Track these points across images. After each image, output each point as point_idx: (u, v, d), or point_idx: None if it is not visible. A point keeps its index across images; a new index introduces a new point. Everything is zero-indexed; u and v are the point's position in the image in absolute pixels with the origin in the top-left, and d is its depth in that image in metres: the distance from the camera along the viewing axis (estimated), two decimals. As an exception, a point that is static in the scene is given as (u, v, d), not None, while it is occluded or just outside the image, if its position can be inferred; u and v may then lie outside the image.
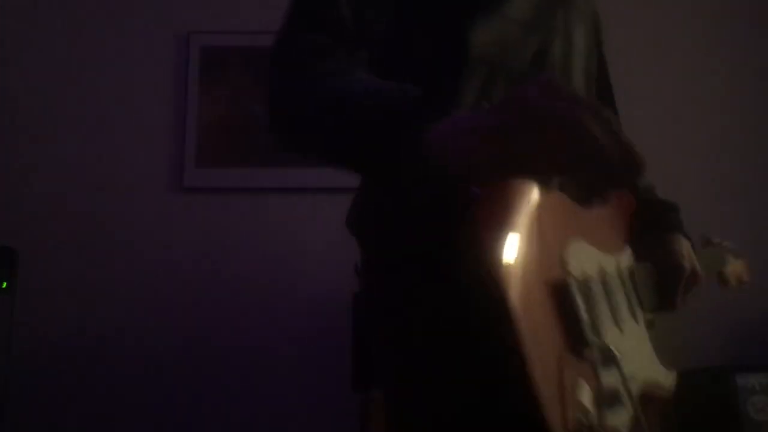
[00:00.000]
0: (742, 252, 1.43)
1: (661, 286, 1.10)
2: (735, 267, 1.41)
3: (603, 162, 0.64)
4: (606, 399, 0.77)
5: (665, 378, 1.01)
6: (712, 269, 1.33)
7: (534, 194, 0.75)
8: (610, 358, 0.79)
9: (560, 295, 0.76)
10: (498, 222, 0.71)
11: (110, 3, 2.76)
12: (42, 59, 2.70)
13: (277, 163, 2.58)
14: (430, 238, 0.87)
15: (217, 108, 2.66)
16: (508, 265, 0.69)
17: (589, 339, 0.77)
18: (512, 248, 0.70)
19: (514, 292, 0.69)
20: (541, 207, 0.75)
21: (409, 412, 0.92)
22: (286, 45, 0.91)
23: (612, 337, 0.84)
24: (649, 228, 1.17)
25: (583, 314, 0.77)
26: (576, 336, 0.76)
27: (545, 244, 0.76)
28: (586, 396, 0.74)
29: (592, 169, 0.65)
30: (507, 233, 0.71)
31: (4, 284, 2.41)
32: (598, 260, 0.88)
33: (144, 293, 2.50)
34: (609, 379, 0.79)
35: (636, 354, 0.93)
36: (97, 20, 2.74)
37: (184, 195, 2.60)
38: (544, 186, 0.76)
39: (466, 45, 0.91)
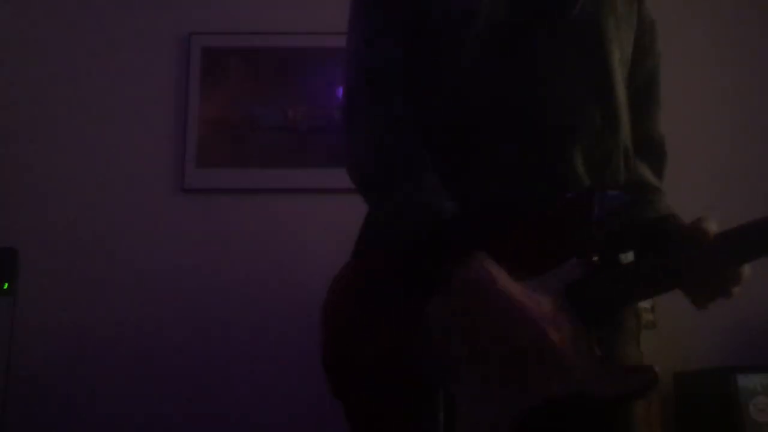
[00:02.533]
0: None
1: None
2: None
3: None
4: None
5: (602, 387, 0.97)
6: None
7: None
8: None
9: None
10: None
11: (111, 4, 2.76)
12: (42, 59, 2.70)
13: (278, 164, 2.58)
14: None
15: (217, 109, 2.66)
16: None
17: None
18: None
19: None
20: None
21: None
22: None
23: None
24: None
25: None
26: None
27: None
28: None
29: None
30: None
31: (6, 285, 2.42)
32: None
33: (144, 294, 2.50)
34: None
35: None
36: (97, 21, 2.74)
37: (184, 196, 2.60)
38: None
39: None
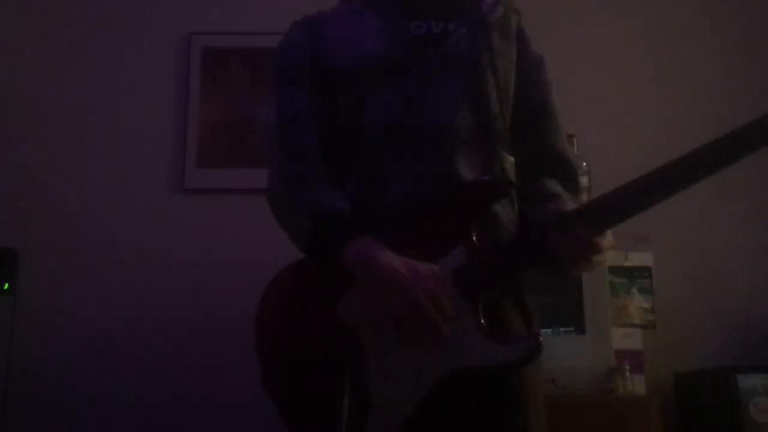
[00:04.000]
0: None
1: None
2: None
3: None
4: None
5: (491, 356, 1.12)
6: None
7: None
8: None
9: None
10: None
11: (111, 4, 2.76)
12: (43, 60, 2.70)
13: (278, 163, 2.58)
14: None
15: (218, 109, 2.67)
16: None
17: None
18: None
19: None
20: None
21: None
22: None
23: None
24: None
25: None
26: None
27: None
28: None
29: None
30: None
31: (6, 285, 2.42)
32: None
33: (144, 294, 2.50)
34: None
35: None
36: (98, 21, 2.74)
37: (184, 196, 2.60)
38: None
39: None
